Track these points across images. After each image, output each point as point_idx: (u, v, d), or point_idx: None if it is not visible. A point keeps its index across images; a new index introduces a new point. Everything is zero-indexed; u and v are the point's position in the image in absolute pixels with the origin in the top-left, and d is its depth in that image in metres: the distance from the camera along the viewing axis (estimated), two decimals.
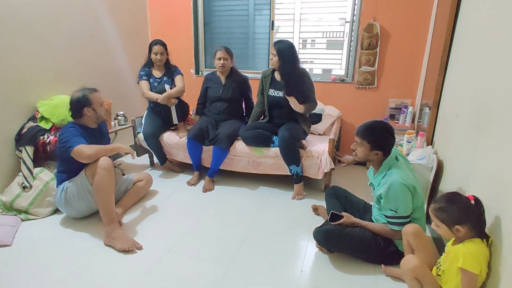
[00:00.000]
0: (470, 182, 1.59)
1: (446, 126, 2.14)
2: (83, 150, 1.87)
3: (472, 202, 1.31)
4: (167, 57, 2.89)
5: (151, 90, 2.82)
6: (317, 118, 2.94)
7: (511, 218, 1.19)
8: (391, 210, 1.60)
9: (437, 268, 1.42)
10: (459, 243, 1.32)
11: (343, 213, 1.76)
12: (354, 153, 1.77)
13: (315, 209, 2.30)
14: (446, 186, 1.92)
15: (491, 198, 1.36)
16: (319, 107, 2.89)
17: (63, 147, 1.91)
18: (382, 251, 1.69)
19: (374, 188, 1.73)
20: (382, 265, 1.68)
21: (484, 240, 1.29)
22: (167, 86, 2.80)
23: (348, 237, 1.68)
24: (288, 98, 2.47)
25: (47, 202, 2.18)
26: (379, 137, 1.65)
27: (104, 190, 1.90)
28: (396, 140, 1.78)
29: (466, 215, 1.28)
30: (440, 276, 1.38)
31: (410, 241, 1.55)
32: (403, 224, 1.59)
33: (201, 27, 3.61)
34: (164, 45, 2.81)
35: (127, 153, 2.07)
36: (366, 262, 1.75)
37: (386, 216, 1.64)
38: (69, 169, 2.00)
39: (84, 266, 1.70)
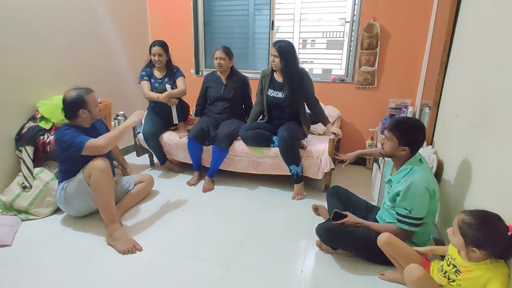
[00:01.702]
0: (470, 182, 1.59)
1: (446, 126, 2.14)
2: (95, 144, 1.89)
3: (510, 233, 1.14)
4: (169, 58, 2.88)
5: (152, 90, 2.82)
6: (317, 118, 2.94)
7: None
8: (405, 209, 1.57)
9: (445, 277, 1.35)
10: (475, 261, 1.23)
11: (346, 213, 1.76)
12: (381, 146, 1.75)
13: (316, 209, 2.29)
14: (446, 186, 1.92)
15: (492, 198, 1.36)
16: None
17: (68, 149, 1.88)
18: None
19: (392, 186, 1.70)
20: (379, 274, 1.67)
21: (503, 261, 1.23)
22: (168, 86, 2.80)
23: (351, 234, 1.68)
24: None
25: (47, 202, 2.18)
26: (409, 134, 1.62)
27: (103, 191, 1.90)
28: None
29: (492, 243, 1.16)
30: (451, 285, 1.31)
31: (387, 251, 1.55)
32: (414, 225, 1.57)
33: (201, 27, 3.61)
34: (163, 46, 2.79)
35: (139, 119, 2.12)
36: (367, 261, 1.75)
37: (398, 213, 1.62)
38: (70, 168, 1.99)
39: (84, 266, 1.70)
